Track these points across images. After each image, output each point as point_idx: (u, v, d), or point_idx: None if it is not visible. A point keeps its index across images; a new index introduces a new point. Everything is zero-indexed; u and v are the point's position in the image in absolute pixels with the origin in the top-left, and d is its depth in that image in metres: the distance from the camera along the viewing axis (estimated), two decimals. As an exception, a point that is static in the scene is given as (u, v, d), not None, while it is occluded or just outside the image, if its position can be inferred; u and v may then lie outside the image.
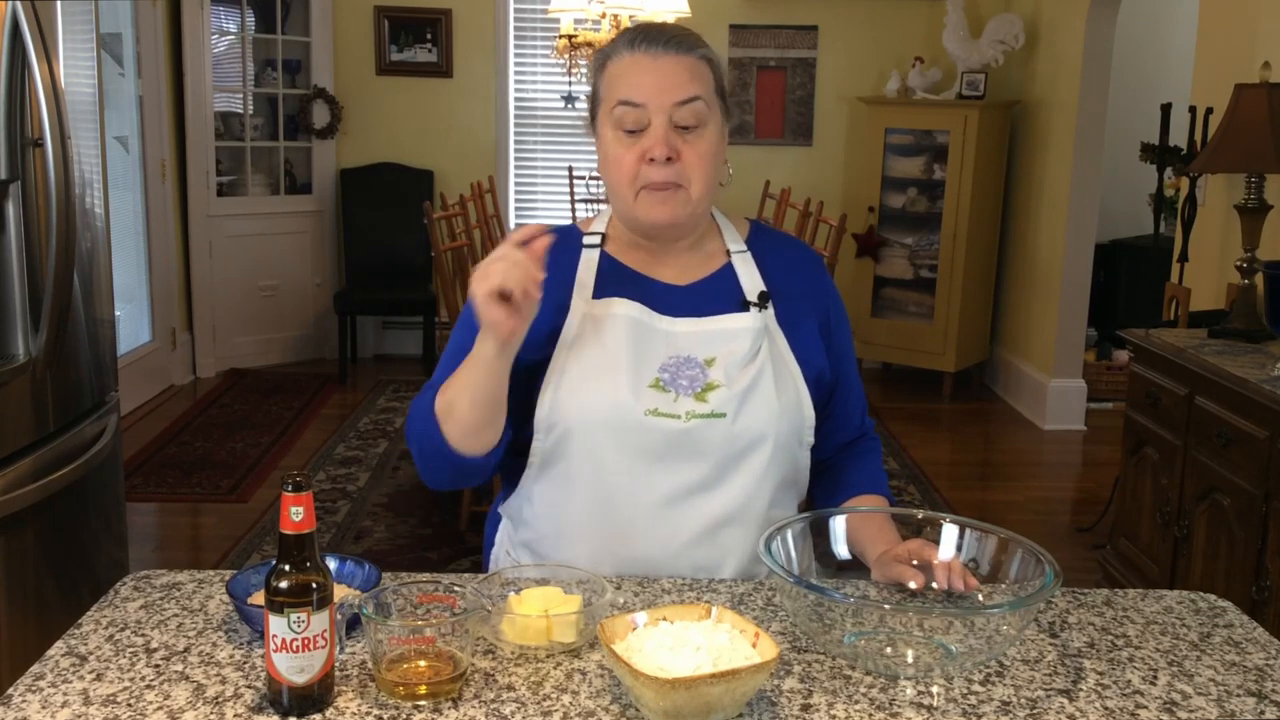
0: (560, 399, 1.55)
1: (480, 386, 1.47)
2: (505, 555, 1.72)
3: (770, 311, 1.62)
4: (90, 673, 1.25)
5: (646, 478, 1.54)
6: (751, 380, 1.56)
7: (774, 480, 1.59)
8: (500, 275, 1.38)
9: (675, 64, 1.54)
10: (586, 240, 1.66)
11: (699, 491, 1.56)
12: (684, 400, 1.54)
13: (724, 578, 1.57)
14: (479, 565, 3.77)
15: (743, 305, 1.61)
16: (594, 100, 1.62)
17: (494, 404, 1.49)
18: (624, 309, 1.58)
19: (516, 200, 6.71)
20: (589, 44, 4.74)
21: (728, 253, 1.66)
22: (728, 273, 1.65)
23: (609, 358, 1.55)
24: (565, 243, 1.66)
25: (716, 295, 1.62)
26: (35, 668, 1.26)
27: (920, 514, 1.55)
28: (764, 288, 1.63)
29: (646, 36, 1.56)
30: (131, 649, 1.30)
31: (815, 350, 1.65)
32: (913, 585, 1.45)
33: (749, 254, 1.67)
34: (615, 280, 1.62)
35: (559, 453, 1.57)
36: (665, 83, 1.53)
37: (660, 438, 1.53)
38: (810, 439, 1.63)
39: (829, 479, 1.72)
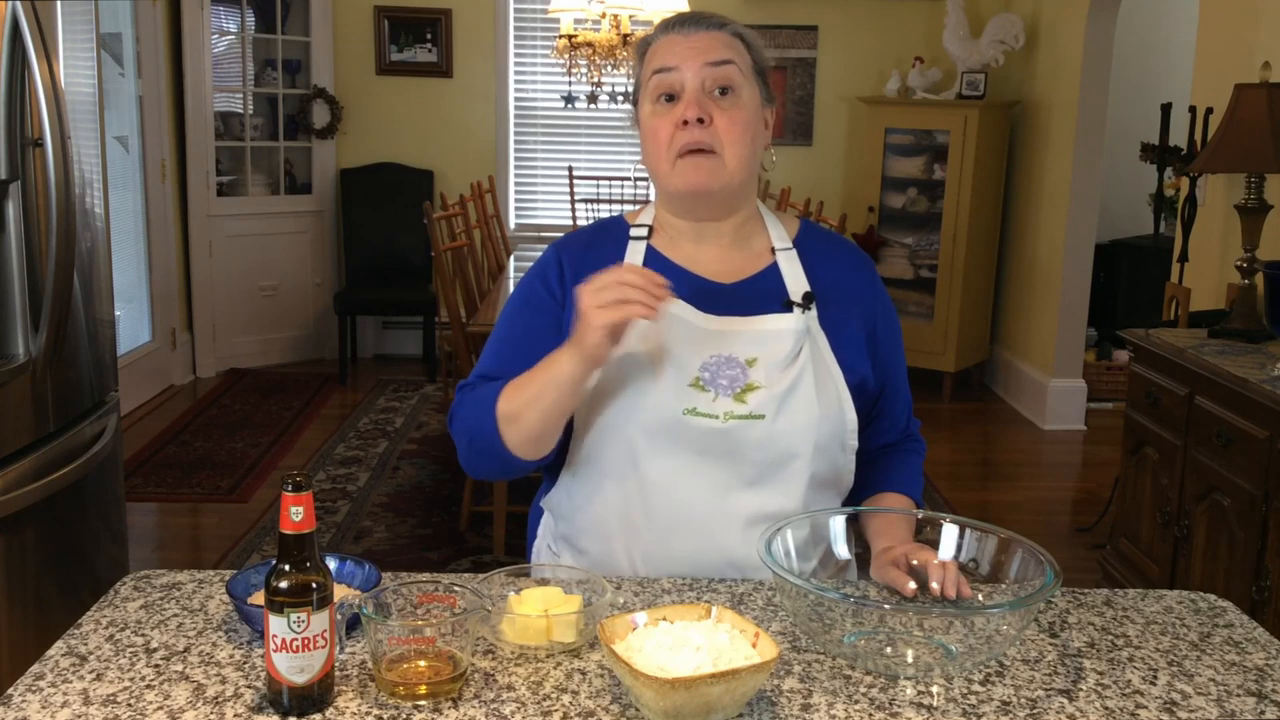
0: (599, 396, 1.55)
1: (556, 403, 1.48)
2: (546, 549, 1.72)
3: (813, 313, 1.60)
4: (90, 673, 1.25)
5: (683, 476, 1.54)
6: (791, 383, 1.55)
7: (814, 483, 1.58)
8: (630, 312, 1.36)
9: (708, 36, 1.58)
10: (634, 232, 1.66)
11: (736, 491, 1.55)
12: (723, 400, 1.53)
13: (764, 579, 1.55)
14: (479, 565, 3.78)
15: (786, 305, 1.60)
16: (636, 88, 1.64)
17: (564, 418, 1.51)
18: (668, 306, 1.57)
19: (516, 200, 6.71)
20: (589, 44, 4.74)
21: (774, 251, 1.65)
22: (773, 272, 1.64)
23: (650, 355, 1.55)
24: (611, 234, 1.68)
25: (761, 295, 1.61)
26: (35, 668, 1.26)
27: (920, 514, 1.55)
28: (808, 288, 1.62)
29: (680, 20, 1.61)
30: (131, 649, 1.30)
31: (859, 357, 1.63)
32: (911, 587, 1.45)
33: (795, 252, 1.65)
34: (660, 274, 1.61)
35: (597, 449, 1.57)
36: (697, 46, 1.56)
37: (697, 437, 1.53)
38: (853, 443, 1.62)
39: (862, 476, 1.70)
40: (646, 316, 1.38)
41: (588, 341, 1.40)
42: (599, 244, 1.67)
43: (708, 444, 1.53)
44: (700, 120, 1.53)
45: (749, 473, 1.55)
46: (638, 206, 1.76)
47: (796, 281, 1.62)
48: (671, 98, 1.56)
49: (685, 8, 4.70)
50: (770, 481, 1.55)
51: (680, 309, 1.57)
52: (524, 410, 1.51)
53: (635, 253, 1.64)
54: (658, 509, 1.55)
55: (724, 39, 1.58)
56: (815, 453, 1.56)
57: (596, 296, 1.38)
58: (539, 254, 1.74)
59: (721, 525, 1.55)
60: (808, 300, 1.60)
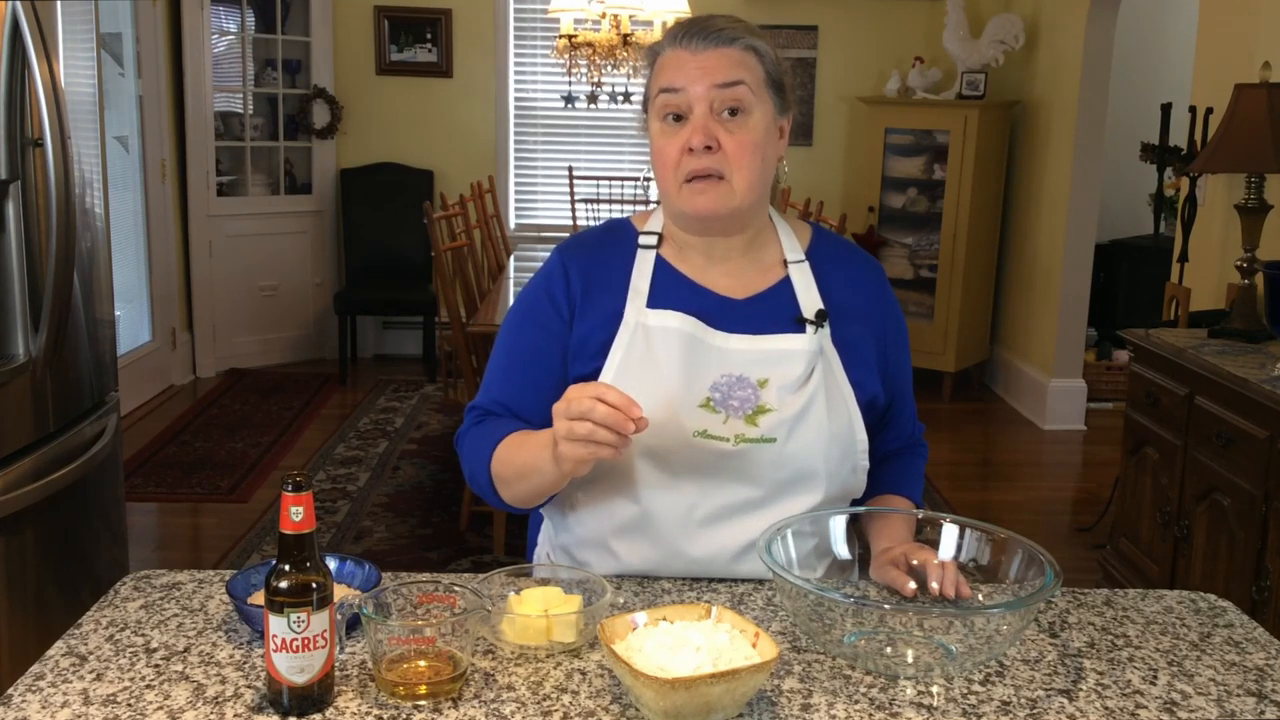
0: None
1: (541, 485, 1.49)
2: (546, 557, 1.72)
3: (826, 331, 1.57)
4: (90, 673, 1.25)
5: (691, 497, 1.53)
6: (803, 406, 1.52)
7: (823, 506, 1.56)
8: (598, 453, 1.33)
9: (718, 55, 1.51)
10: (642, 240, 1.62)
11: (744, 513, 1.53)
12: (734, 422, 1.51)
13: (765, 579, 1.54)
14: (479, 565, 3.78)
15: (799, 323, 1.57)
16: (645, 98, 1.61)
17: (555, 491, 1.52)
18: (678, 323, 1.54)
19: (516, 200, 6.71)
20: (589, 44, 4.74)
21: (785, 263, 1.62)
22: (785, 287, 1.60)
23: (659, 375, 1.52)
24: (619, 240, 1.64)
25: (773, 311, 1.58)
26: (35, 668, 1.26)
27: (920, 514, 1.55)
28: (821, 305, 1.58)
29: (688, 31, 1.54)
30: (131, 649, 1.31)
31: (870, 375, 1.61)
32: (911, 587, 1.45)
33: (807, 265, 1.62)
34: (670, 289, 1.58)
35: (603, 466, 1.53)
36: (706, 66, 1.51)
37: (707, 459, 1.51)
38: (864, 464, 1.60)
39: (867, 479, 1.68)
40: (612, 459, 1.36)
41: (563, 468, 1.40)
42: (606, 250, 1.63)
43: (716, 467, 1.52)
44: (708, 147, 1.49)
45: (757, 496, 1.53)
46: (640, 209, 1.74)
47: (809, 297, 1.59)
48: (679, 117, 1.52)
49: (686, 9, 4.69)
50: (779, 505, 1.53)
51: (691, 326, 1.54)
52: (514, 480, 1.52)
53: (644, 263, 1.60)
54: (663, 528, 1.54)
55: (734, 56, 1.51)
56: (826, 477, 1.54)
57: (569, 428, 1.33)
58: (539, 254, 1.72)
59: (729, 544, 1.53)
60: (820, 318, 1.57)
